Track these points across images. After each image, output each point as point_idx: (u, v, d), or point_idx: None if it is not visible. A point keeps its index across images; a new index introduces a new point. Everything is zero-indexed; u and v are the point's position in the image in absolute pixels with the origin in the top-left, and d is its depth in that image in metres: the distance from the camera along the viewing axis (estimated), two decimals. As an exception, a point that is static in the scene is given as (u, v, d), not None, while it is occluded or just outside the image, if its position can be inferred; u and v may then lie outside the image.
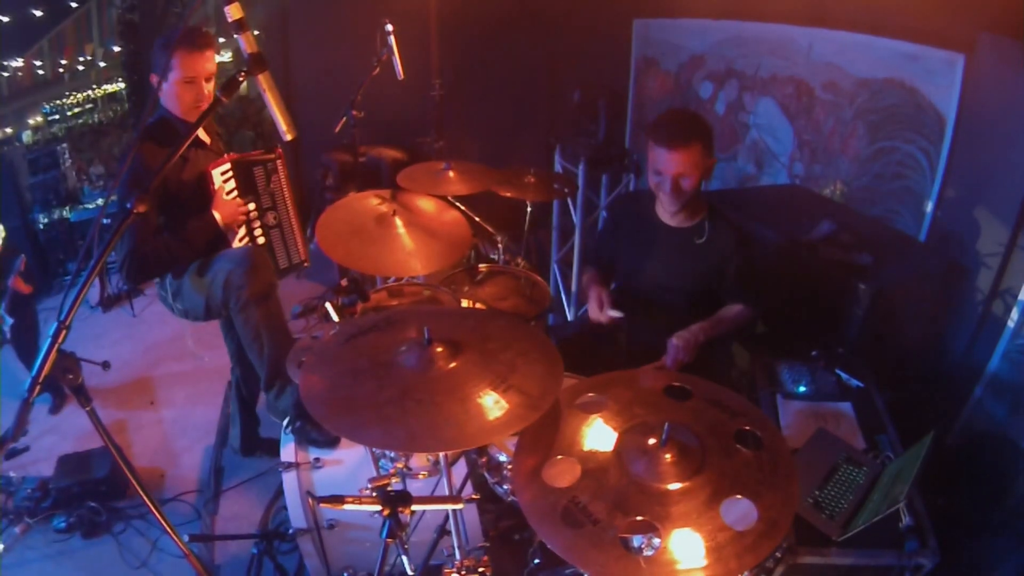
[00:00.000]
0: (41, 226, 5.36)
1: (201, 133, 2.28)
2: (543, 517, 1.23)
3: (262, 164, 2.32)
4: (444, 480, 1.71)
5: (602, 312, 2.12)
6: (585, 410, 1.45)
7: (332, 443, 2.02)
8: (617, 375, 1.56)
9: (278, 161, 2.35)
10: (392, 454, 1.87)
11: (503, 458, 1.72)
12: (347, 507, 1.42)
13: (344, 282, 2.12)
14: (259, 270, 2.20)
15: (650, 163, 2.07)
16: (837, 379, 2.10)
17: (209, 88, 2.16)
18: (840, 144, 3.03)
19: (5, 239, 3.59)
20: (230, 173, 2.25)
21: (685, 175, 2.01)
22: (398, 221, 2.32)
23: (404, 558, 1.57)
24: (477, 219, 3.02)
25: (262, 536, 2.31)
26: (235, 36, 1.32)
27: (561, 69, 5.12)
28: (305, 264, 2.52)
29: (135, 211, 1.21)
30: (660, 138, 2.00)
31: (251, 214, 2.32)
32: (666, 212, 2.17)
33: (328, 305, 2.02)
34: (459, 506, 1.61)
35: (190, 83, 2.09)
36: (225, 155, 2.27)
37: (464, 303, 2.53)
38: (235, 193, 2.26)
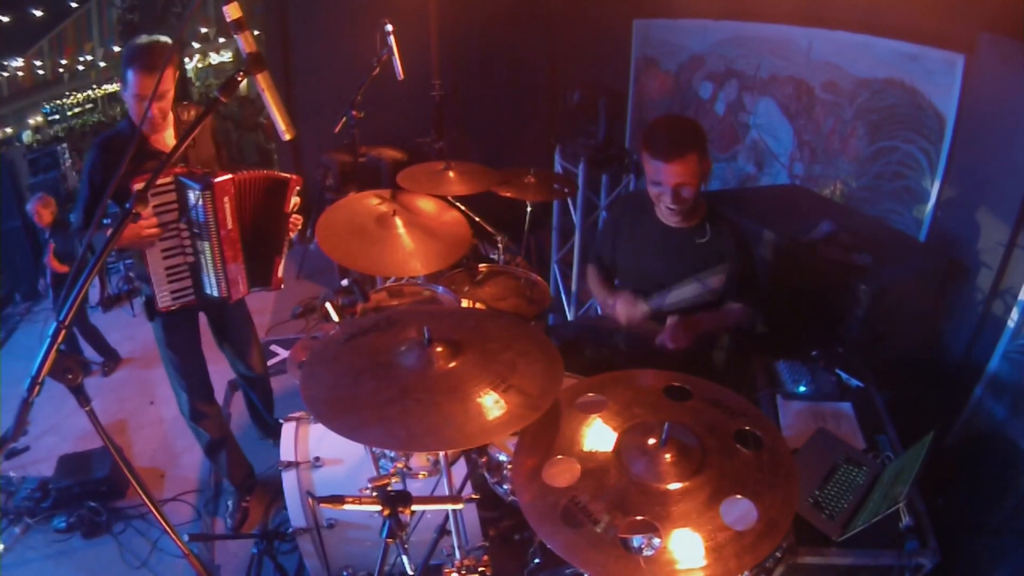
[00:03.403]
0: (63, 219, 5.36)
1: (169, 140, 2.23)
2: (543, 517, 1.23)
3: (193, 190, 2.10)
4: (444, 480, 1.71)
5: (636, 308, 2.10)
6: (585, 410, 1.45)
7: None
8: (617, 375, 1.56)
9: (206, 192, 2.08)
10: (392, 454, 1.87)
11: (503, 458, 1.72)
12: (347, 507, 1.42)
13: (344, 282, 2.12)
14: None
15: (648, 174, 2.06)
16: (837, 379, 2.09)
17: (162, 105, 2.13)
18: (840, 144, 3.03)
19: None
20: (170, 187, 2.11)
21: (685, 184, 2.00)
22: (398, 221, 2.32)
23: (404, 558, 1.57)
24: (477, 219, 3.02)
25: (262, 536, 2.31)
26: (234, 36, 1.32)
27: (561, 69, 5.13)
28: (229, 301, 2.31)
29: (135, 211, 1.21)
30: (656, 151, 1.98)
31: (182, 232, 2.16)
32: (666, 215, 2.17)
33: (328, 305, 2.02)
34: (459, 506, 1.61)
35: (140, 100, 2.09)
36: (179, 167, 2.13)
37: (464, 303, 2.53)
38: (172, 207, 2.12)
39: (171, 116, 2.25)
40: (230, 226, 2.18)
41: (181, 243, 2.18)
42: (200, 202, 2.11)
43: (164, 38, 2.13)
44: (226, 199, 2.15)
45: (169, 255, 2.18)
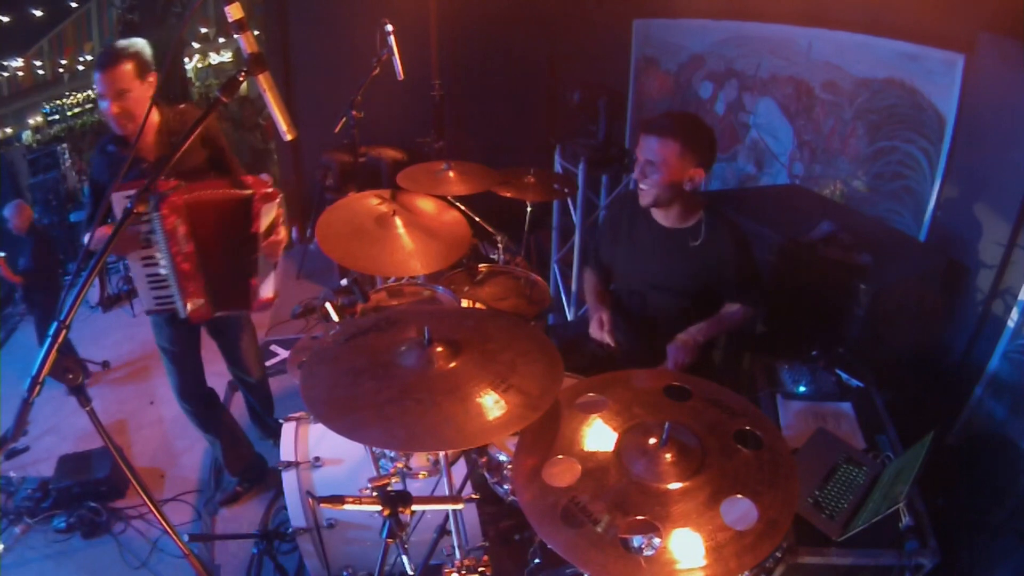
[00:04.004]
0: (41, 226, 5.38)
1: (155, 149, 2.19)
2: (543, 517, 1.23)
3: (150, 205, 1.98)
4: (444, 480, 1.71)
5: (602, 332, 2.14)
6: (585, 410, 1.45)
7: None
8: (617, 375, 1.56)
9: (154, 213, 1.99)
10: (392, 454, 1.87)
11: (503, 458, 1.72)
12: (347, 507, 1.41)
13: (344, 282, 2.12)
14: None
15: None
16: (837, 379, 2.10)
17: (124, 104, 2.05)
18: (840, 144, 3.03)
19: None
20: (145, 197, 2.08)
21: (652, 164, 1.99)
22: (398, 221, 2.31)
23: (404, 558, 1.56)
24: (477, 219, 3.02)
25: (262, 536, 2.31)
26: (235, 36, 1.32)
27: (561, 69, 5.13)
28: (191, 321, 2.23)
29: (135, 211, 1.22)
30: (644, 124, 2.04)
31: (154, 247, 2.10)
32: (659, 212, 2.16)
33: (328, 305, 2.02)
34: (459, 506, 1.60)
35: (100, 99, 2.07)
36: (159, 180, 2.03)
37: (464, 303, 2.53)
38: (146, 217, 2.04)
39: (155, 120, 2.18)
40: (185, 248, 2.08)
41: (153, 254, 2.13)
42: (155, 220, 2.03)
43: (138, 41, 2.09)
44: (176, 220, 2.03)
45: (147, 264, 2.14)
